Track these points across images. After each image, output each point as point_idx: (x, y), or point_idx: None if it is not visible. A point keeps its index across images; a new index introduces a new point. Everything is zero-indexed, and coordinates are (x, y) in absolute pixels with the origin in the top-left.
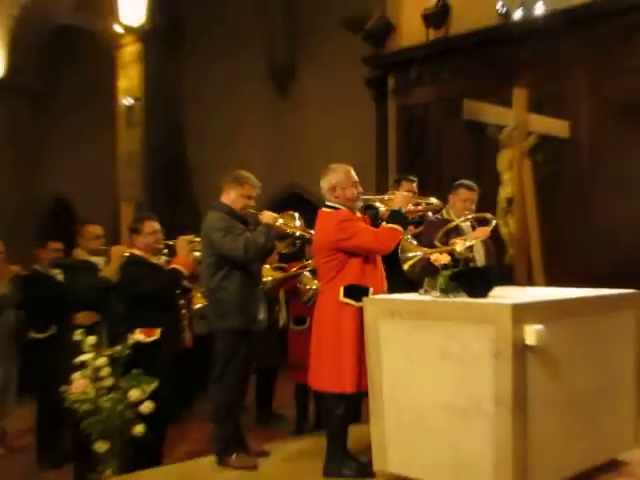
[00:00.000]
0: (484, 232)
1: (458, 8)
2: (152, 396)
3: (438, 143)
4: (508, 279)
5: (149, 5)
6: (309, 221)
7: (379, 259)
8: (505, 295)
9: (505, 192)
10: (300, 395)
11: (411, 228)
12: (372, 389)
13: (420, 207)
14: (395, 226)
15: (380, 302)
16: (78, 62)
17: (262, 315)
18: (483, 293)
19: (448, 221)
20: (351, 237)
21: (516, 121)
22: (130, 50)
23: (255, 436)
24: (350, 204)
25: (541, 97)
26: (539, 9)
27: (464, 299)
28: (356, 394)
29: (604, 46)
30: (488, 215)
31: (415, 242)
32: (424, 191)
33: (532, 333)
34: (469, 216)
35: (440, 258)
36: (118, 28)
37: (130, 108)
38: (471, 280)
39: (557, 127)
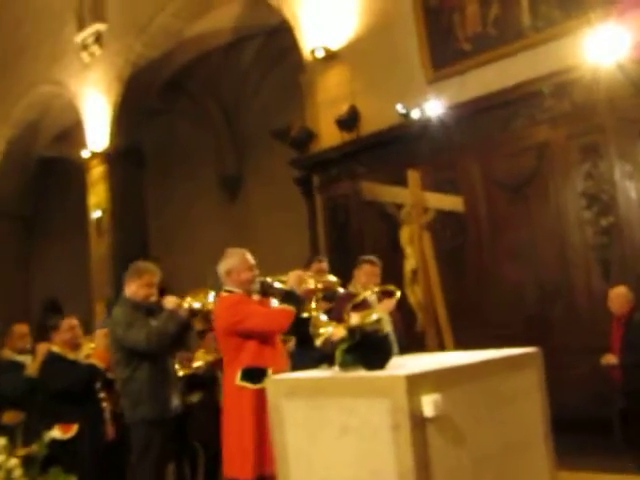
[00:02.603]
0: (388, 305)
1: (366, 113)
2: None
3: (358, 226)
4: (420, 345)
5: (111, 133)
6: None
7: (278, 339)
8: (404, 365)
9: (409, 264)
10: None
11: (323, 304)
12: (280, 471)
13: (319, 285)
14: (286, 306)
15: (281, 382)
16: (58, 187)
17: (176, 402)
18: (380, 364)
19: (355, 295)
20: (242, 320)
21: (412, 199)
22: (97, 171)
23: None
24: (246, 287)
25: (441, 183)
26: (433, 108)
27: (360, 373)
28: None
29: (488, 136)
30: (392, 287)
31: (325, 318)
32: (350, 268)
33: (429, 403)
34: (375, 289)
35: (336, 332)
36: (86, 153)
37: (99, 219)
38: (366, 352)
39: (451, 202)
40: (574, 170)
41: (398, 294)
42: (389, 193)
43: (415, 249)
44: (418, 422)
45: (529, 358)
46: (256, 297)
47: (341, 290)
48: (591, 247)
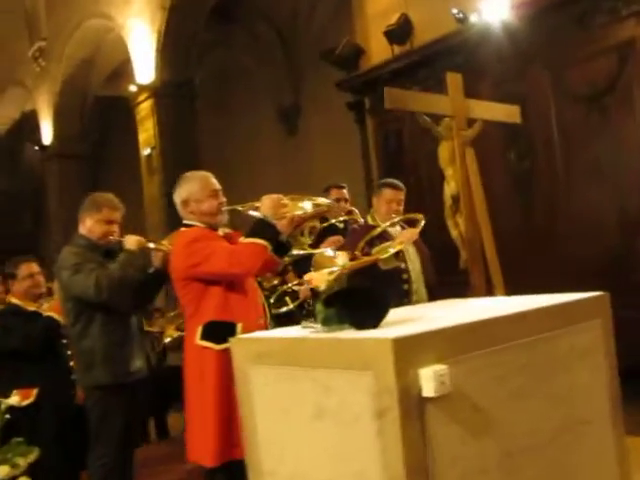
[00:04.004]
0: (409, 235)
1: (419, 21)
2: (33, 468)
3: (413, 152)
4: (464, 286)
5: (157, 65)
6: None
7: (251, 283)
8: (416, 318)
9: (450, 189)
10: None
11: (338, 239)
12: (249, 458)
13: (307, 210)
14: (256, 240)
15: (248, 342)
16: (117, 126)
17: (139, 363)
18: (372, 321)
19: (373, 227)
20: (202, 261)
21: (452, 108)
22: (145, 106)
23: None
24: (209, 219)
25: (507, 96)
26: (495, 9)
27: (342, 333)
28: (231, 465)
29: (560, 37)
30: (418, 215)
31: (331, 253)
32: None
33: (430, 379)
34: (395, 219)
35: (315, 278)
36: (133, 87)
37: (149, 157)
38: (352, 304)
39: (504, 112)
40: None
41: (423, 222)
42: (421, 101)
43: (457, 170)
44: (413, 406)
45: (593, 306)
46: (223, 231)
47: (361, 221)
48: None
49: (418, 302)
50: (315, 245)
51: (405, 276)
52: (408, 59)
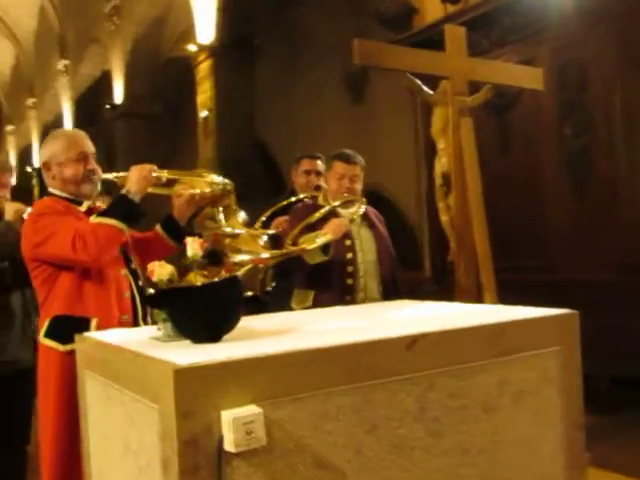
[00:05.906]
0: (336, 226)
1: None
2: None
3: None
4: (450, 282)
5: (218, 24)
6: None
7: (116, 271)
8: (276, 332)
9: (441, 165)
10: None
11: (280, 220)
12: None
13: (212, 190)
14: (107, 220)
15: (88, 343)
16: (184, 87)
17: (21, 351)
18: (209, 333)
19: (319, 208)
20: (45, 241)
21: (449, 68)
22: (204, 66)
23: None
24: (72, 189)
25: (566, 64)
26: None
27: (146, 348)
28: None
29: None
30: (358, 198)
31: (264, 240)
32: None
33: (229, 427)
34: (336, 203)
35: (156, 269)
36: (192, 47)
37: (205, 119)
38: (186, 308)
39: (522, 76)
40: None
41: (362, 208)
42: (405, 57)
43: (449, 143)
44: (206, 461)
45: (547, 330)
46: (87, 205)
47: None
48: None
49: (366, 301)
50: (267, 225)
51: (350, 269)
52: (461, 19)
